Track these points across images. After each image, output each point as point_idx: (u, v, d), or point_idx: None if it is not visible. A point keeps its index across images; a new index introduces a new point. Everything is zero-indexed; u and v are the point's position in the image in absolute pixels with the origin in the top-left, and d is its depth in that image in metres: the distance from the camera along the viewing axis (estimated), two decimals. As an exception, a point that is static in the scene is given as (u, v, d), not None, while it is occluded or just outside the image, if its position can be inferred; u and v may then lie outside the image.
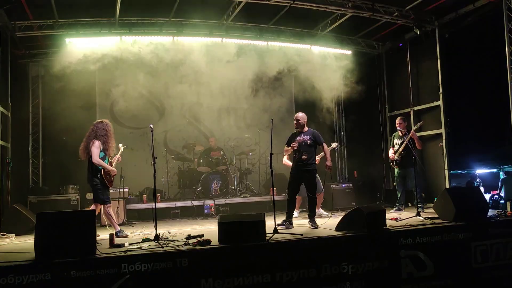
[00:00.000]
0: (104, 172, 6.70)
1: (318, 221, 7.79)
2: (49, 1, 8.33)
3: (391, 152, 8.84)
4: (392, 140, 9.05)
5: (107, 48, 10.74)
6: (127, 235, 6.65)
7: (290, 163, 8.51)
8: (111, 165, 6.88)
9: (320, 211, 8.69)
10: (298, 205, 8.82)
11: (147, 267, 4.69)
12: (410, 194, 9.18)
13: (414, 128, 8.54)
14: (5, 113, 8.53)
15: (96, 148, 6.66)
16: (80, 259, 4.60)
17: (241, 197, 10.65)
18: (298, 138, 7.41)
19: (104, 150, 6.77)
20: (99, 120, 7.09)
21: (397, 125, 8.76)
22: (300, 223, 7.66)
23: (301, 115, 7.51)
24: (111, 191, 8.88)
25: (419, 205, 7.72)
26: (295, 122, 7.50)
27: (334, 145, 9.25)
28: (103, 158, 6.74)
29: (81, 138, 10.86)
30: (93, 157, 6.60)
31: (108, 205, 6.82)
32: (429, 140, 10.12)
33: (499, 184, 9.38)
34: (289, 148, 7.43)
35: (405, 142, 8.36)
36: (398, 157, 8.60)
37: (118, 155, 7.19)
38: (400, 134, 8.70)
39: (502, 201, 8.01)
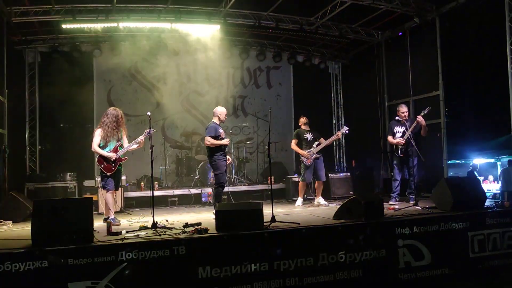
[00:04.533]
0: (98, 159, 6.77)
1: (318, 209, 7.83)
2: (46, -14, 8.24)
3: (398, 139, 8.12)
4: (391, 128, 8.39)
5: (104, 35, 10.71)
6: (119, 223, 6.63)
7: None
8: (116, 152, 6.78)
9: (320, 199, 8.70)
10: (302, 192, 8.84)
11: (144, 255, 4.67)
12: (405, 183, 8.93)
13: (422, 114, 7.82)
14: (1, 99, 8.48)
15: (95, 136, 6.76)
16: (77, 247, 4.58)
17: (239, 185, 10.66)
18: (222, 131, 7.57)
19: (103, 138, 6.77)
20: (114, 108, 7.10)
21: (404, 113, 8.14)
22: (299, 211, 7.67)
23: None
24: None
25: (411, 195, 7.78)
26: (226, 115, 7.76)
27: (344, 129, 8.96)
28: (104, 146, 6.74)
29: (79, 125, 10.99)
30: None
31: (108, 191, 6.78)
32: (428, 130, 10.06)
33: (499, 175, 9.35)
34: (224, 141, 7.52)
35: (410, 129, 7.83)
36: (403, 144, 8.00)
37: (140, 139, 6.85)
38: (402, 121, 8.11)
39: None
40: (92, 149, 6.75)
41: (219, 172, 7.37)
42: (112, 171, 6.78)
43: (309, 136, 8.77)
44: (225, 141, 7.48)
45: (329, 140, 8.78)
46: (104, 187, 6.82)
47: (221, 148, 7.41)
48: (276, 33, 11.48)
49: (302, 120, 9.01)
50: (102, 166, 6.75)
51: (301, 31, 10.82)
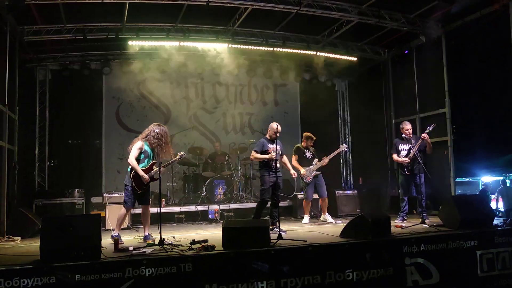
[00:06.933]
0: (134, 174, 6.57)
1: (324, 227, 7.80)
2: (58, 6, 8.39)
3: (403, 158, 8.12)
4: (395, 146, 8.39)
5: (114, 53, 10.88)
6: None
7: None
8: (151, 170, 6.68)
9: (326, 216, 8.68)
10: (307, 210, 8.81)
11: (151, 272, 4.69)
12: (413, 201, 8.89)
13: (427, 131, 7.90)
14: (12, 116, 8.59)
15: (135, 148, 6.62)
16: (85, 263, 4.60)
17: (246, 202, 10.63)
18: (271, 146, 7.55)
19: (143, 152, 6.66)
20: (158, 124, 6.93)
21: (408, 130, 8.11)
22: (306, 228, 7.66)
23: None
24: (115, 195, 8.98)
25: (424, 213, 7.64)
26: (276, 131, 7.44)
27: (343, 147, 9.29)
28: (142, 160, 6.65)
29: (87, 142, 11.08)
30: (129, 156, 6.59)
31: (127, 207, 6.67)
32: (435, 147, 10.00)
33: (496, 195, 9.31)
34: (266, 155, 7.50)
35: (416, 147, 7.80)
36: (409, 162, 8.00)
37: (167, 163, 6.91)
38: (408, 139, 8.07)
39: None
40: (128, 161, 6.58)
41: (263, 187, 7.50)
42: (143, 189, 6.66)
43: (308, 153, 8.78)
44: (266, 155, 7.49)
45: (330, 156, 8.73)
46: (125, 202, 6.65)
47: (268, 164, 7.48)
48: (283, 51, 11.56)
49: (307, 136, 8.94)
50: (134, 182, 6.59)
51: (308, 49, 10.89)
